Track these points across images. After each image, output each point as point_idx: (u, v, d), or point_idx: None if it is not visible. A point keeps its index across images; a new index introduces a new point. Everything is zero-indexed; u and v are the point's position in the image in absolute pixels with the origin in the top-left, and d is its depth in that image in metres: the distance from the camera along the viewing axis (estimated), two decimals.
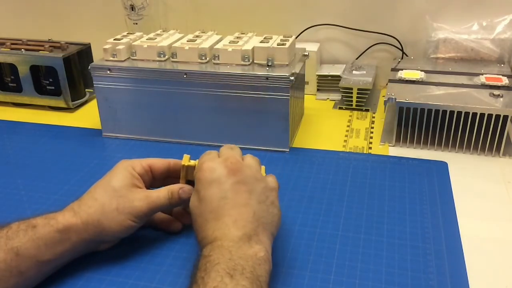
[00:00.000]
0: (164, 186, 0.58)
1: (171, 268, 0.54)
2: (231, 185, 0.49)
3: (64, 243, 0.50)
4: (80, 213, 0.51)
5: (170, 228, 0.60)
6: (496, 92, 0.78)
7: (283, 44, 0.78)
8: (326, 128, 0.88)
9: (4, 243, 0.47)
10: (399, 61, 0.97)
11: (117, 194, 0.53)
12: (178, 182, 0.59)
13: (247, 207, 0.48)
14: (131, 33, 0.88)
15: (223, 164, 0.51)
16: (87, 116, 0.94)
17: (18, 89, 0.98)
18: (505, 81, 0.82)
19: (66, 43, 0.97)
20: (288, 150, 0.79)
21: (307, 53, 0.87)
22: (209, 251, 0.45)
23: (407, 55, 1.01)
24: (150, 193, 0.55)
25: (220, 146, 0.83)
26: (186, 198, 0.56)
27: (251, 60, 0.78)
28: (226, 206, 0.48)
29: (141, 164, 0.57)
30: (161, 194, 0.55)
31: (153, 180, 0.58)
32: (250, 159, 0.54)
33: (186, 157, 0.57)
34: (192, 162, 0.57)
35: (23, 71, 0.95)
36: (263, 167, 0.57)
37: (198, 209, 0.50)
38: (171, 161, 0.59)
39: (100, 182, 0.55)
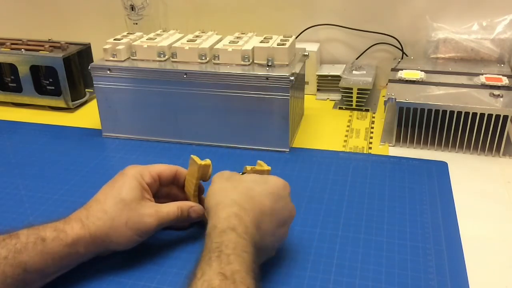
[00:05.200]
0: (168, 193, 0.59)
1: (171, 268, 0.54)
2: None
3: (71, 256, 0.50)
4: (89, 225, 0.51)
5: (177, 225, 0.59)
6: (496, 92, 0.78)
7: (283, 44, 0.78)
8: (326, 128, 0.88)
9: (12, 257, 0.46)
10: (399, 61, 0.97)
11: (127, 207, 0.52)
12: (181, 191, 0.59)
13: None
14: (131, 33, 0.88)
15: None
16: (87, 116, 0.94)
17: (18, 89, 0.98)
18: (505, 81, 0.82)
19: (66, 43, 0.97)
20: (288, 150, 0.79)
21: (307, 53, 0.86)
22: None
23: (407, 55, 1.01)
24: (160, 208, 0.54)
25: (220, 146, 0.83)
26: (195, 218, 0.56)
27: (251, 60, 0.78)
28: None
29: (150, 173, 0.56)
30: (171, 210, 0.54)
31: (159, 187, 0.58)
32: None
33: (196, 158, 0.56)
34: (206, 162, 0.57)
35: (23, 71, 0.95)
36: (269, 168, 0.57)
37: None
38: (177, 169, 0.58)
39: (108, 191, 0.54)
